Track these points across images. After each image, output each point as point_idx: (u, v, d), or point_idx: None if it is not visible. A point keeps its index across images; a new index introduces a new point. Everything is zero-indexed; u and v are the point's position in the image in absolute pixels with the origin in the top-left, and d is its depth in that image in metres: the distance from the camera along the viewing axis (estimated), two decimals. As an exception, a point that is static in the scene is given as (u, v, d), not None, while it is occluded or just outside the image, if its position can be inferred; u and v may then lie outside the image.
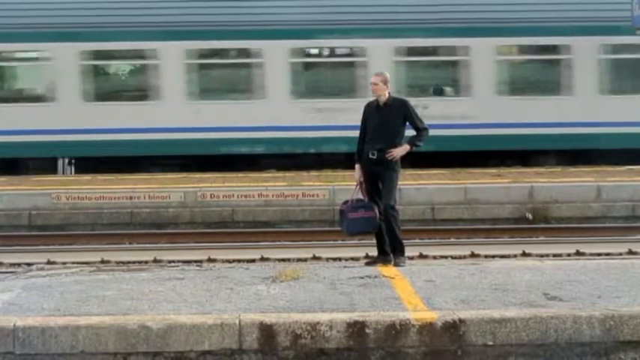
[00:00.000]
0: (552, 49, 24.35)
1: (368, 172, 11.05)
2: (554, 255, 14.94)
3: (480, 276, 9.65)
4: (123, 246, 17.24)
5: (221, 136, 23.41)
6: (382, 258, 10.99)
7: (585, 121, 23.62)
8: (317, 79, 24.67)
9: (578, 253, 15.29)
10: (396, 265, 10.70)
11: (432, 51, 24.60)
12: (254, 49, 23.65)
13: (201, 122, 23.31)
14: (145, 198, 19.41)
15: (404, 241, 11.09)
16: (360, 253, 14.26)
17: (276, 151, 23.83)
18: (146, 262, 14.37)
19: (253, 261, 14.45)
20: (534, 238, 17.45)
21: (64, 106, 23.38)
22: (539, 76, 24.70)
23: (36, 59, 24.35)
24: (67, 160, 24.16)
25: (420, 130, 11.02)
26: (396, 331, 7.71)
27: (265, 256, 15.27)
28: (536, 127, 23.67)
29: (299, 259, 14.44)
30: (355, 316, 7.85)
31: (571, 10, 24.09)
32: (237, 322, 7.73)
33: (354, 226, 11.07)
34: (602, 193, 19.65)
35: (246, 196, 19.49)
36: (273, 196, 19.51)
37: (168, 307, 8.28)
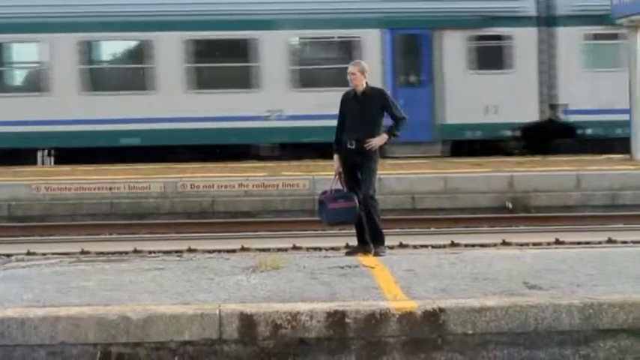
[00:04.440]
0: None
1: (347, 162, 11.04)
2: (534, 244, 14.99)
3: (460, 265, 9.67)
4: (103, 237, 17.22)
5: None
6: (362, 248, 10.99)
7: None
8: None
9: (557, 242, 15.35)
10: (376, 254, 10.71)
11: None
12: None
13: None
14: (125, 188, 19.38)
15: (384, 231, 11.11)
16: (341, 242, 14.26)
17: None
18: (126, 252, 14.31)
19: (234, 251, 14.45)
20: (514, 227, 17.51)
21: None
22: None
23: None
24: None
25: (398, 119, 11.03)
26: (376, 320, 7.71)
27: (246, 246, 15.27)
28: None
29: (279, 249, 14.46)
30: (335, 305, 7.84)
31: None
32: (217, 312, 7.71)
33: (335, 216, 11.06)
34: (582, 182, 19.75)
35: (226, 187, 19.48)
36: (253, 186, 19.52)
37: (149, 297, 8.26)
